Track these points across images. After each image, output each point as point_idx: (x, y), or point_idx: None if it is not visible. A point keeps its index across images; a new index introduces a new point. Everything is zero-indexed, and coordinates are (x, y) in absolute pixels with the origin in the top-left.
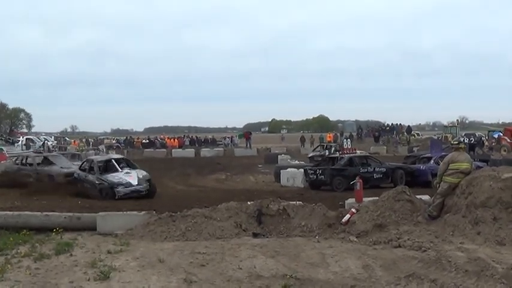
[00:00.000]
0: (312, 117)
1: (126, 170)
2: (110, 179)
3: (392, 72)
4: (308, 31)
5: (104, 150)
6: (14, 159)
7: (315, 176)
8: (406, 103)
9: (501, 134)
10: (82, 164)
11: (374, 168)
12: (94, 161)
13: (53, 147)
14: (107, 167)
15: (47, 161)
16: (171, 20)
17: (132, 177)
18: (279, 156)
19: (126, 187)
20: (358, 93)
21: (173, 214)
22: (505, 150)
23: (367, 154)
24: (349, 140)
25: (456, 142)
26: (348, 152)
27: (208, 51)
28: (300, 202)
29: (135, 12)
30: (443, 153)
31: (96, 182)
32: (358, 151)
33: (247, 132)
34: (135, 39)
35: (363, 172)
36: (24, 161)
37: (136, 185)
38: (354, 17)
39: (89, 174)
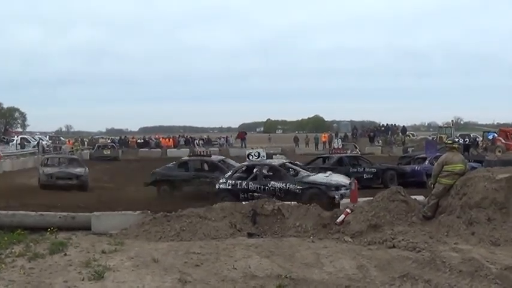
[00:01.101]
0: (307, 118)
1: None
2: (323, 181)
3: (388, 72)
4: (307, 31)
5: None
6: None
7: None
8: (401, 103)
9: (496, 135)
10: (236, 170)
11: (364, 169)
12: (275, 166)
13: (47, 146)
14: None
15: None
16: (169, 19)
17: (339, 177)
18: (273, 156)
19: (347, 189)
20: (353, 94)
21: (168, 214)
22: (499, 151)
23: (358, 154)
24: (340, 140)
25: (450, 141)
26: (338, 151)
27: (206, 51)
28: (295, 202)
29: (132, 11)
30: (438, 154)
31: (298, 187)
32: (358, 151)
33: (242, 132)
34: (131, 38)
35: (353, 172)
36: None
37: (349, 185)
38: (354, 16)
39: (272, 182)
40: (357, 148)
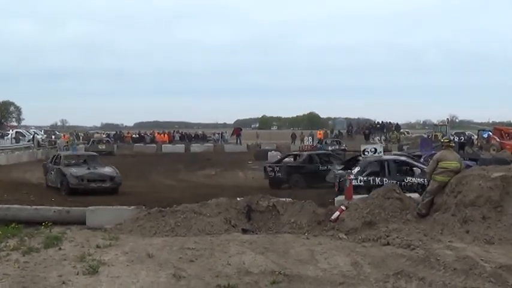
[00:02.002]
0: (302, 114)
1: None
2: None
3: (384, 70)
4: (305, 28)
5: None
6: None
7: (273, 173)
8: (397, 101)
9: (491, 134)
10: (365, 165)
11: (334, 166)
12: (410, 162)
13: (42, 141)
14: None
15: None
16: (163, 13)
17: None
18: (269, 152)
19: None
20: (350, 91)
21: (163, 209)
22: (494, 150)
23: (329, 152)
24: (310, 137)
25: (446, 140)
26: (309, 149)
27: (202, 46)
28: (290, 199)
29: (129, 6)
30: (433, 152)
31: None
32: (344, 146)
33: (237, 128)
34: (126, 32)
35: (322, 170)
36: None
37: None
38: (352, 14)
39: (409, 177)
40: (342, 144)
